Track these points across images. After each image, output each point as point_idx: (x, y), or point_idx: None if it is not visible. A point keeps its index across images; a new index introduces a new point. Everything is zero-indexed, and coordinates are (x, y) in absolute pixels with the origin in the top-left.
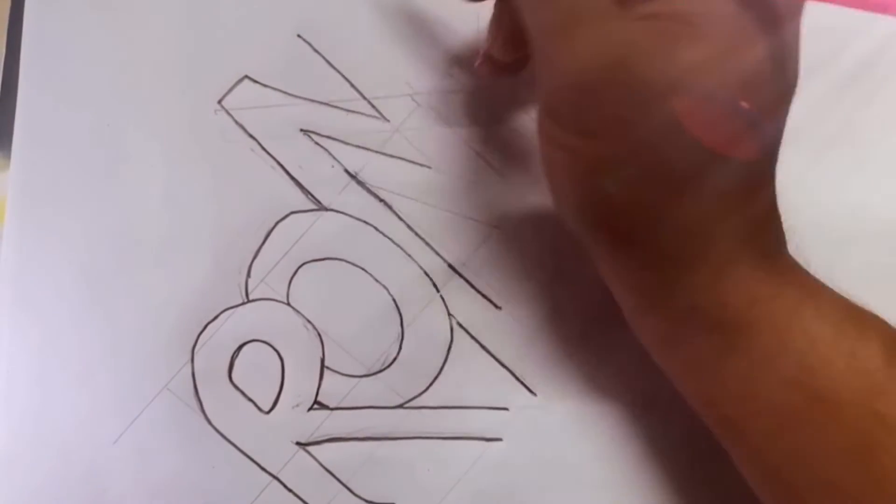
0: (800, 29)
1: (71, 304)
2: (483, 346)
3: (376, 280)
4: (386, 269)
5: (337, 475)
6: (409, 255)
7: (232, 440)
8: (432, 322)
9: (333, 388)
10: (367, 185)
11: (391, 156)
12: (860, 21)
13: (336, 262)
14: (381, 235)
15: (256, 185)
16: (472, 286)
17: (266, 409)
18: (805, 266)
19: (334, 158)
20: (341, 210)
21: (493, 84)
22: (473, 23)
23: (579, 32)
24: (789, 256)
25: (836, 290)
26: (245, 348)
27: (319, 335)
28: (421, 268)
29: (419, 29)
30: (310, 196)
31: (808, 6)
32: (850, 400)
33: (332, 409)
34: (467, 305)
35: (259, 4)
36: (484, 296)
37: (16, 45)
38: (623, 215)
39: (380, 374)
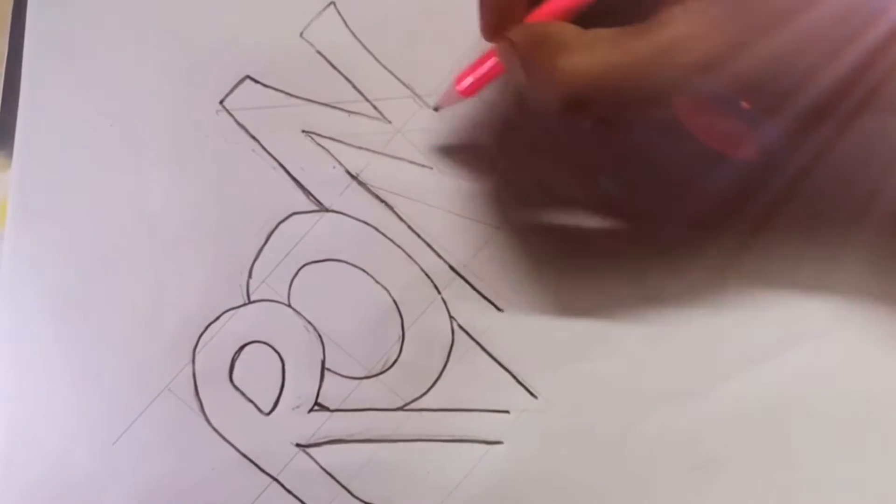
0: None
1: (71, 305)
2: (484, 349)
3: (377, 281)
4: (387, 270)
5: (337, 477)
6: (411, 257)
7: (232, 441)
8: (433, 324)
9: (334, 390)
10: (369, 187)
11: (393, 157)
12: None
13: (337, 263)
14: (382, 237)
15: (258, 186)
16: (474, 288)
17: (266, 410)
18: None
19: (336, 159)
20: (343, 211)
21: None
22: (475, 23)
23: None
24: None
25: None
26: (246, 349)
27: (320, 336)
28: (422, 269)
29: (421, 30)
30: (311, 197)
31: None
32: None
33: (333, 410)
34: (469, 307)
35: (261, 4)
36: (485, 297)
37: (18, 45)
38: None
39: (380, 376)
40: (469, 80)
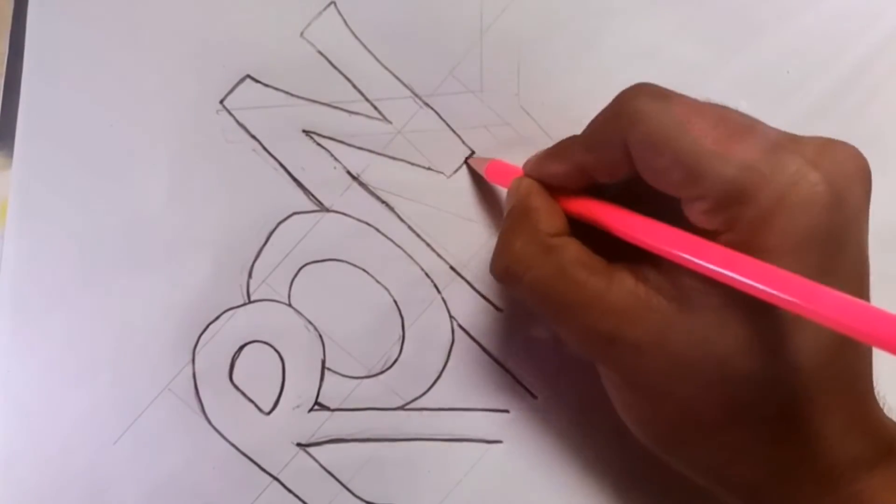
0: None
1: (72, 304)
2: (484, 348)
3: (378, 281)
4: (387, 270)
5: (337, 476)
6: (411, 257)
7: (232, 441)
8: (433, 324)
9: (334, 390)
10: (370, 187)
11: (393, 157)
12: (859, 22)
13: (338, 263)
14: (382, 237)
15: (258, 186)
16: (474, 288)
17: (267, 409)
18: None
19: (336, 160)
20: (343, 211)
21: None
22: (476, 23)
23: None
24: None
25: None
26: (246, 349)
27: (320, 336)
28: (422, 269)
29: (421, 30)
30: (312, 197)
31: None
32: None
33: (333, 410)
34: (468, 307)
35: (261, 4)
36: (485, 298)
37: (19, 45)
38: None
39: (381, 376)
40: (496, 172)
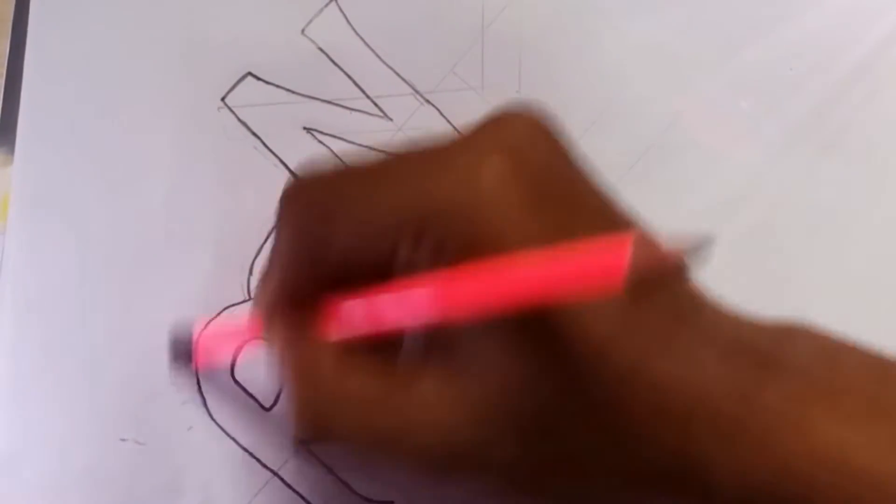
0: None
1: (73, 301)
2: None
3: None
4: None
5: (338, 472)
6: None
7: (233, 436)
8: None
9: None
10: None
11: None
12: (860, 22)
13: None
14: None
15: (259, 183)
16: None
17: (268, 405)
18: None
19: (337, 157)
20: None
21: None
22: (477, 20)
23: None
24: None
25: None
26: (248, 345)
27: None
28: None
29: (423, 26)
30: None
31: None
32: None
33: None
34: None
35: (262, 1)
36: None
37: (21, 42)
38: None
39: None
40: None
